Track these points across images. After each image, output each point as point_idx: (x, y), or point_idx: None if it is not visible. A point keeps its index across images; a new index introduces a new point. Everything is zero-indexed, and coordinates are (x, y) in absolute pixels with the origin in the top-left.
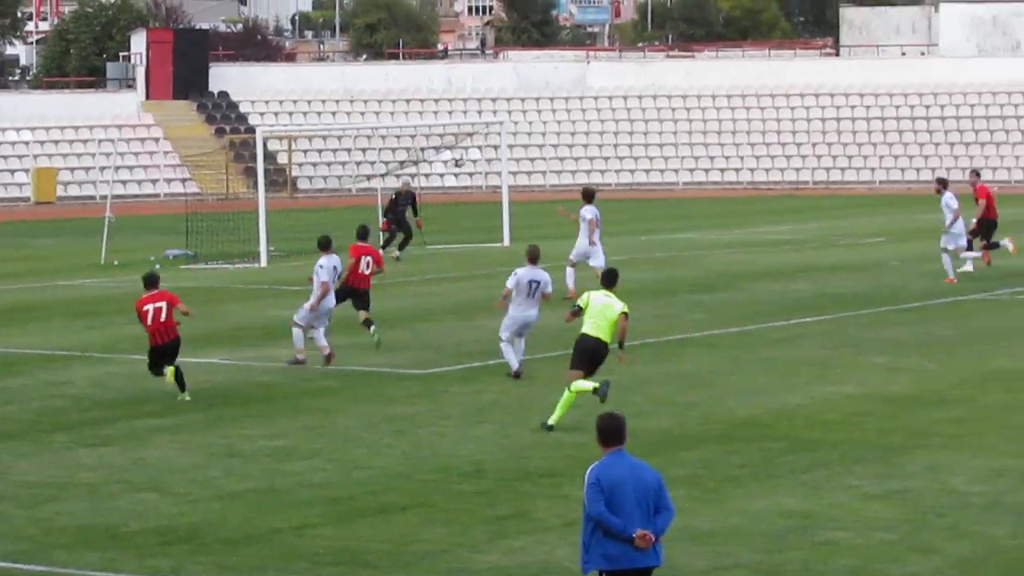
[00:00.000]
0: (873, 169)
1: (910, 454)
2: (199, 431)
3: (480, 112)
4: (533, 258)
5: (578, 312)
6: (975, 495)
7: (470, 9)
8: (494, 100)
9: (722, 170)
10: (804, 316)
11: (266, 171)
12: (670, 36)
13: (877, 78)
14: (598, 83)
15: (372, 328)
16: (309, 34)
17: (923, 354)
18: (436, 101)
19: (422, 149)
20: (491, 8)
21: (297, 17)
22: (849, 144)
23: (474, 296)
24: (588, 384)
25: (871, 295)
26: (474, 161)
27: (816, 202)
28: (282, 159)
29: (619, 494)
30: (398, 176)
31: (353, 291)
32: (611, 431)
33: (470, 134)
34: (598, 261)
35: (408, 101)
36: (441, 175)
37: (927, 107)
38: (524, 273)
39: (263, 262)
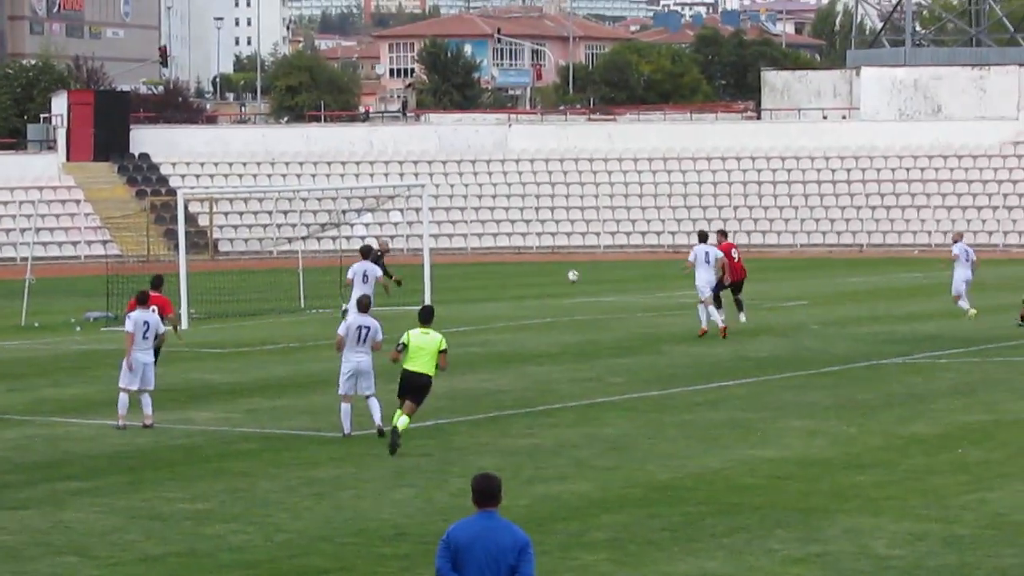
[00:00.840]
0: (794, 232)
1: (831, 517)
2: (120, 494)
3: (402, 175)
4: (364, 307)
5: (402, 350)
6: (895, 559)
7: (392, 72)
8: (415, 163)
9: (643, 233)
10: (724, 380)
11: (187, 233)
12: (592, 99)
13: (798, 141)
14: (519, 146)
15: None
16: (230, 96)
17: (842, 417)
18: (358, 164)
19: (343, 211)
20: (413, 71)
21: (218, 79)
22: (770, 207)
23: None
24: (404, 421)
25: (791, 358)
26: (395, 224)
27: None
28: (203, 221)
29: (467, 555)
30: (319, 239)
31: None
32: (483, 491)
33: (391, 196)
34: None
35: (329, 163)
36: (362, 238)
37: (848, 170)
38: (353, 320)
39: (184, 324)
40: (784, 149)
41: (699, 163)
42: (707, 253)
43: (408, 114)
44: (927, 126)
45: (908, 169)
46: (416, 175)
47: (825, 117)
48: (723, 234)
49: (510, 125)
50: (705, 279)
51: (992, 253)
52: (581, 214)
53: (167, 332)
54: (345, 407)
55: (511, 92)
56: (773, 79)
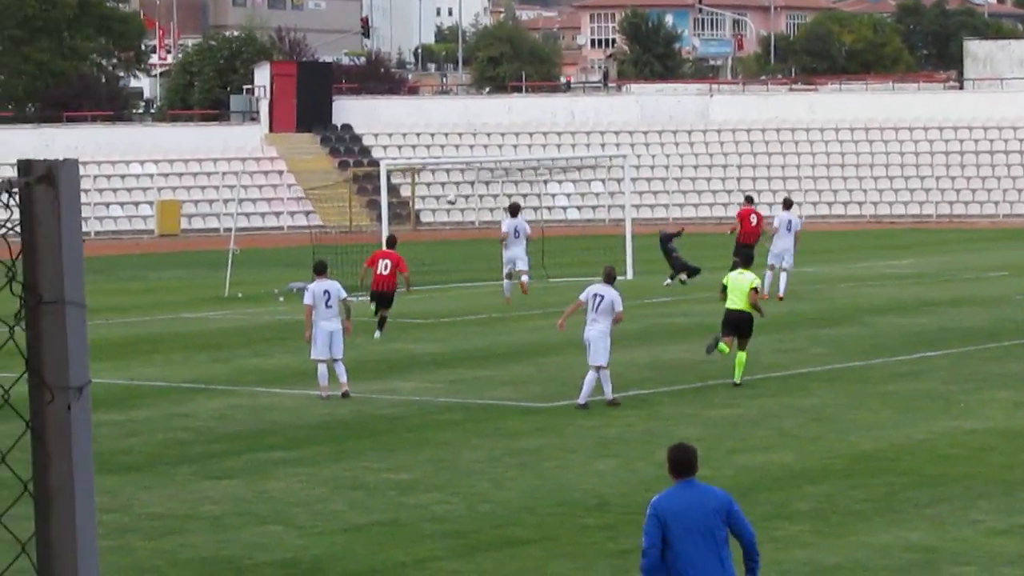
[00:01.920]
0: (997, 203)
1: None
2: (324, 464)
3: (603, 145)
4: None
5: (724, 290)
6: None
7: (593, 42)
8: (617, 133)
9: (845, 204)
10: (927, 350)
11: (389, 204)
12: (793, 69)
13: (1001, 111)
14: (721, 116)
15: (379, 334)
16: (432, 67)
17: None
18: (559, 134)
19: (545, 182)
20: (614, 41)
21: (420, 50)
22: (973, 178)
23: None
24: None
25: (994, 329)
26: (597, 194)
27: (939, 236)
28: (405, 192)
29: (678, 524)
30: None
31: (378, 294)
32: (680, 461)
33: (593, 167)
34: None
35: (531, 134)
36: (564, 208)
37: None
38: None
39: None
40: (987, 119)
41: (901, 133)
42: (790, 221)
43: (609, 84)
44: None
45: None
46: (617, 145)
47: None
48: (749, 200)
49: (711, 95)
50: (782, 246)
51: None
52: (783, 184)
53: (349, 301)
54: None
55: (712, 62)
56: (975, 48)
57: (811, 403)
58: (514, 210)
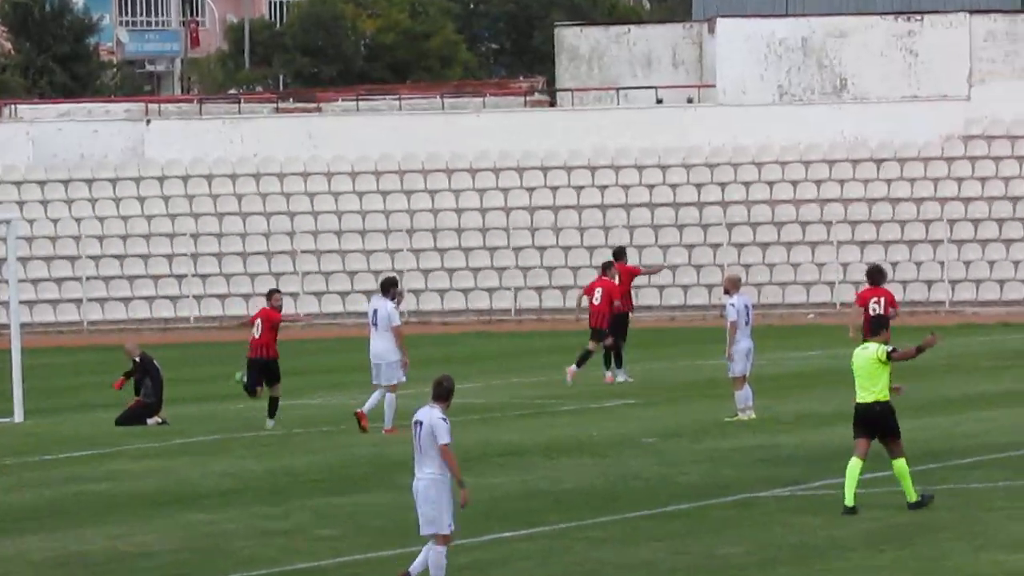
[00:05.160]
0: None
1: None
2: None
3: None
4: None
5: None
6: None
7: None
8: None
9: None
10: None
11: None
12: (282, 77)
13: (619, 140)
14: (162, 155)
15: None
16: None
17: None
18: None
19: None
20: None
21: None
22: (573, 248)
23: None
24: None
25: None
26: None
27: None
28: None
29: None
30: None
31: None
32: None
33: None
34: None
35: None
36: None
37: (698, 186)
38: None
39: None
40: (596, 154)
41: (458, 178)
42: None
43: None
44: (824, 112)
45: (795, 183)
46: None
47: (660, 101)
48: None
49: (148, 122)
50: None
51: (935, 316)
52: (267, 264)
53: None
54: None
55: (151, 67)
56: (575, 41)
57: None
58: None
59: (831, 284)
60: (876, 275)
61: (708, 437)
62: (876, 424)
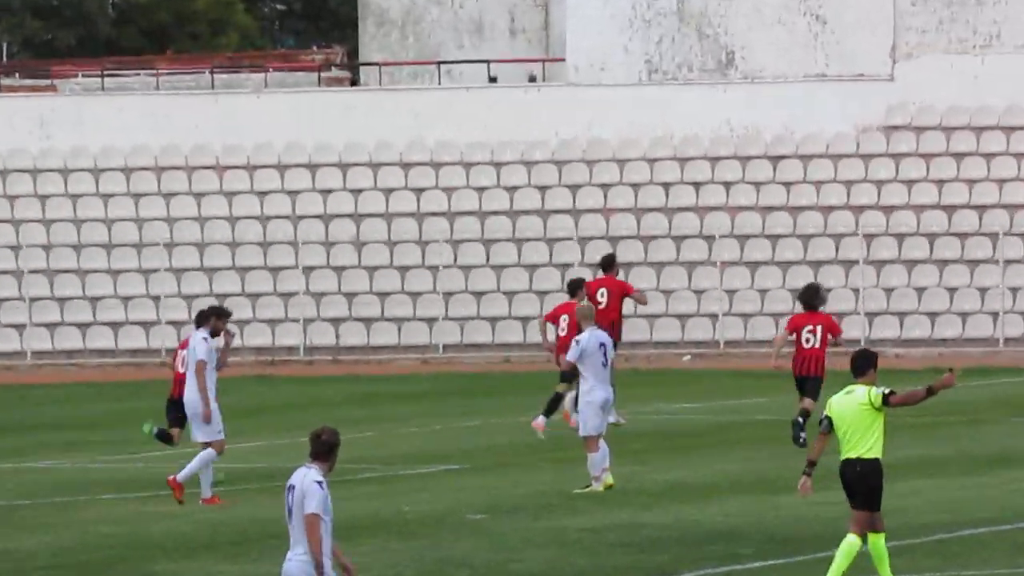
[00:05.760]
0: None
1: None
2: None
3: None
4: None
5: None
6: None
7: None
8: None
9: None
10: None
11: None
12: (4, 47)
13: (434, 132)
14: None
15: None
16: None
17: None
18: None
19: None
20: None
21: None
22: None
23: None
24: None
25: None
26: None
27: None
28: None
29: None
30: None
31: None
32: None
33: None
34: None
35: None
36: None
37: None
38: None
39: None
40: (410, 148)
41: (231, 177)
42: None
43: None
44: (705, 95)
45: (667, 186)
46: None
47: (494, 79)
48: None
49: None
50: None
51: (844, 360)
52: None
53: None
54: None
55: None
56: (383, 2)
57: None
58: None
59: (713, 317)
60: (812, 297)
61: (552, 514)
62: (851, 488)
